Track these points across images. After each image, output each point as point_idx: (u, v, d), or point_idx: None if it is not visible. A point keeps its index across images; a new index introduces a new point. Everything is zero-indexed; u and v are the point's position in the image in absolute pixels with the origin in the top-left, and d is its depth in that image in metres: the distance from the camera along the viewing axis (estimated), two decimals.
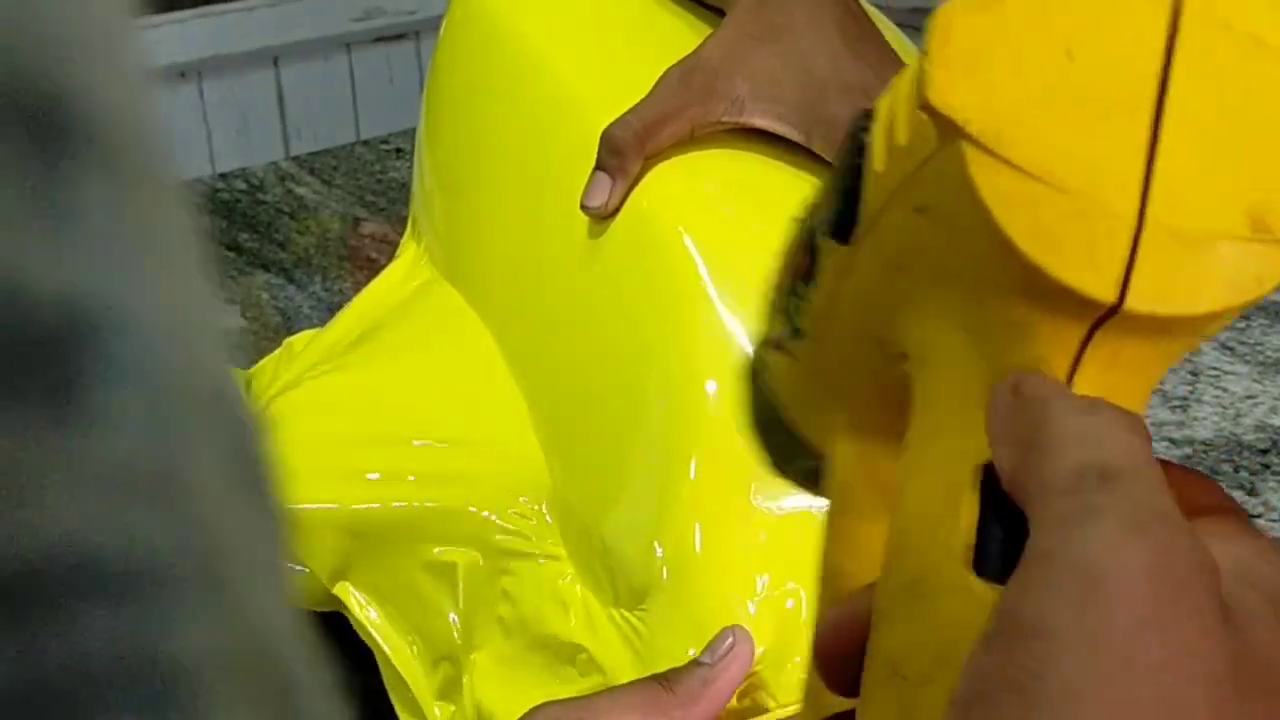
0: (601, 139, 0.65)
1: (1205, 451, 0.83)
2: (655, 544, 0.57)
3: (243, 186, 1.27)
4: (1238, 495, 0.79)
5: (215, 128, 1.42)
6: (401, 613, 0.68)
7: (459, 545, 0.67)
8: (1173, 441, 0.84)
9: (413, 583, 0.67)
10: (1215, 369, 0.92)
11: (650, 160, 0.65)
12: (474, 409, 0.68)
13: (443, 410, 0.69)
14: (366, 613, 0.68)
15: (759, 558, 0.56)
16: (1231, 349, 0.93)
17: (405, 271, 0.79)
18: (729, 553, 0.57)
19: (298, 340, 0.80)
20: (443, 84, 0.80)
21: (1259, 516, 0.78)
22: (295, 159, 1.34)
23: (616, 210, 0.65)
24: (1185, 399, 0.88)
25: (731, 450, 0.55)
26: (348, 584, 0.69)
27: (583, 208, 0.65)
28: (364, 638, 0.68)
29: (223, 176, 1.29)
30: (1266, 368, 0.91)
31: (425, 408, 0.70)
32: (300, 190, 1.26)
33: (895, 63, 0.68)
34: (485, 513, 0.66)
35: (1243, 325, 0.96)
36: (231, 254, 1.14)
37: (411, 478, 0.67)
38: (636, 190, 0.65)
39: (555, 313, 0.68)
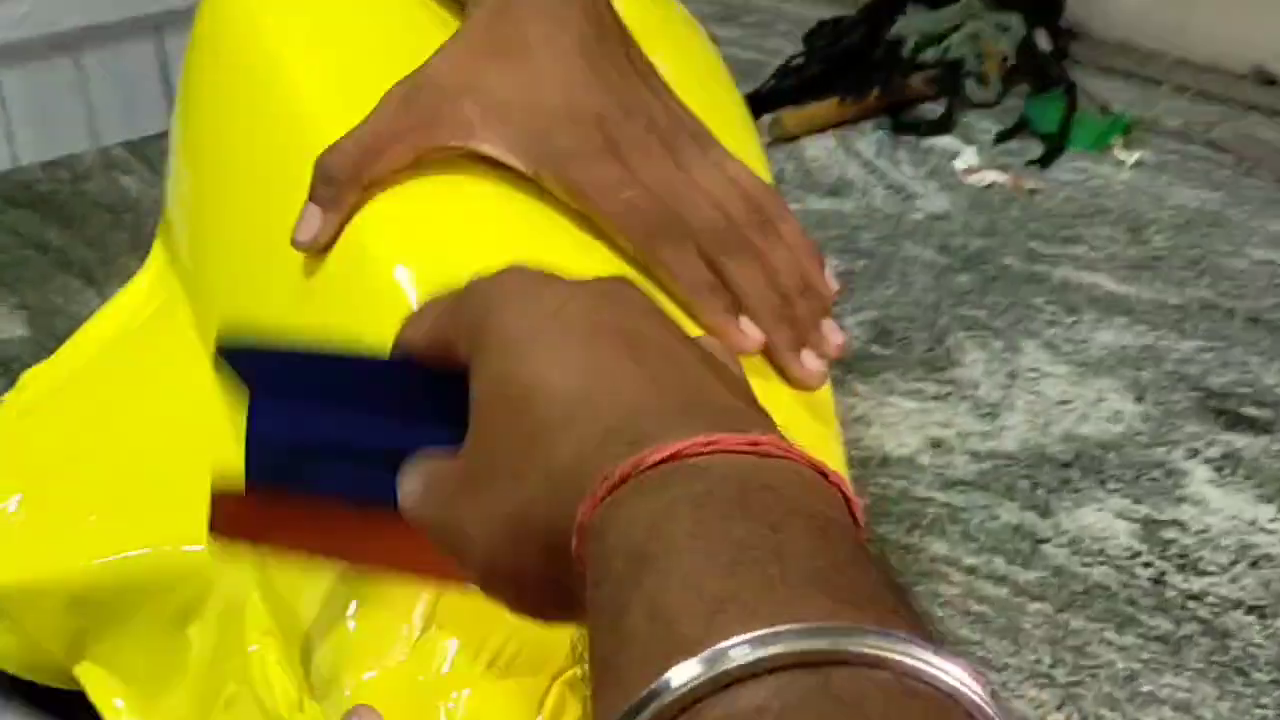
0: (315, 167, 0.60)
1: (1006, 466, 0.80)
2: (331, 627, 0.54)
3: (64, 176, 1.22)
4: (1029, 516, 0.76)
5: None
6: (145, 698, 0.63)
7: (194, 605, 0.63)
8: (975, 455, 0.81)
9: (154, 656, 0.63)
10: (1034, 370, 0.88)
11: (370, 189, 0.61)
12: (194, 457, 0.64)
13: (162, 458, 0.65)
14: (108, 699, 0.63)
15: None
16: (1055, 347, 0.90)
17: (148, 289, 0.75)
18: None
19: (29, 375, 0.75)
20: (191, 80, 0.75)
21: (1045, 541, 0.74)
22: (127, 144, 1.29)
23: (329, 245, 0.61)
24: (996, 406, 0.85)
25: None
26: (88, 664, 0.64)
27: (293, 243, 0.60)
28: None
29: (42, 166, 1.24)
30: (1086, 369, 0.88)
31: (145, 455, 0.65)
32: (125, 180, 1.21)
33: (651, 82, 0.64)
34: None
35: (1071, 321, 0.93)
36: (34, 253, 1.09)
37: (136, 534, 0.63)
38: (353, 223, 0.60)
39: None
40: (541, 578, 0.40)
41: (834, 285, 0.63)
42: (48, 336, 0.98)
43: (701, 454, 0.36)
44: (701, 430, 0.37)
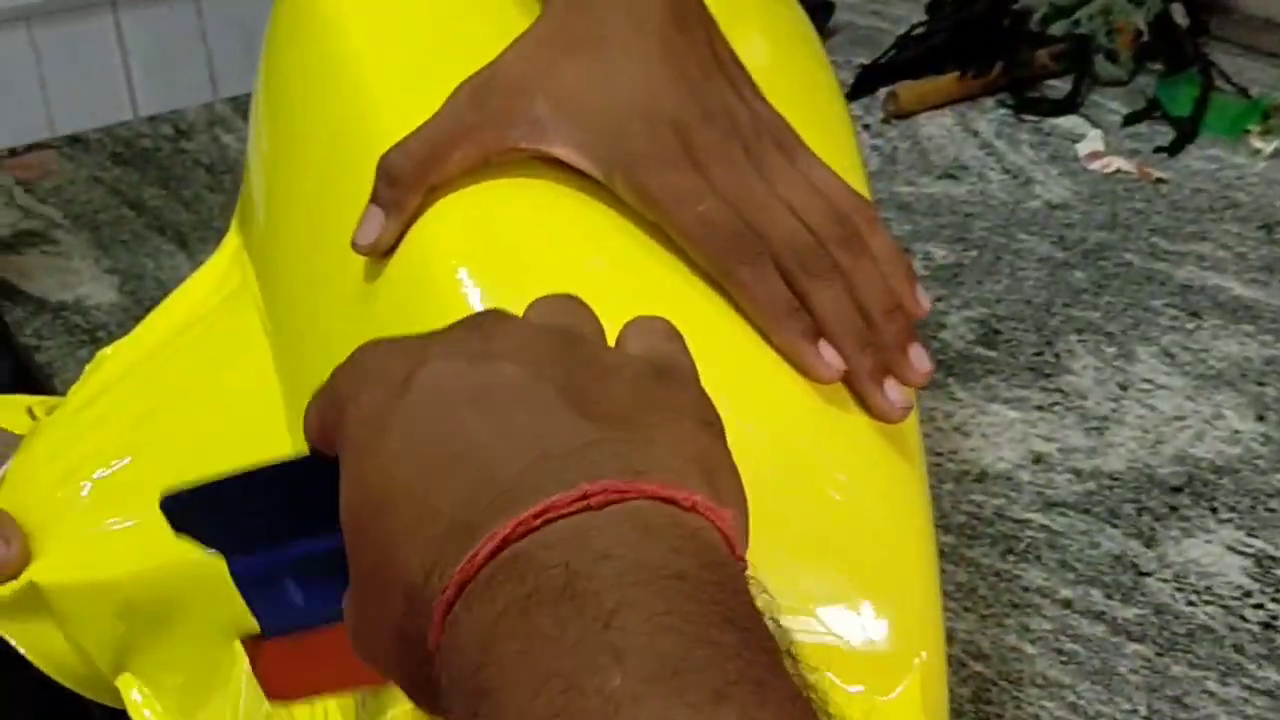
0: (378, 167, 0.57)
1: (1111, 488, 0.75)
2: None
3: (168, 132, 1.21)
4: (1132, 545, 0.72)
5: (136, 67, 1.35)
6: (182, 707, 0.61)
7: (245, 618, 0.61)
8: (1078, 474, 0.76)
9: (200, 666, 0.61)
10: (1148, 381, 0.83)
11: (435, 191, 0.58)
12: (255, 458, 0.62)
13: (223, 457, 0.63)
14: (145, 712, 0.61)
15: None
16: (1172, 356, 0.85)
17: (224, 270, 0.72)
18: None
19: (102, 355, 0.73)
20: (269, 60, 0.72)
21: (1148, 574, 0.70)
22: (232, 100, 1.27)
23: (391, 249, 0.58)
24: (1105, 419, 0.80)
25: None
26: (130, 677, 0.62)
27: (353, 245, 0.58)
28: None
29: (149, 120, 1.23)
30: (1205, 382, 0.83)
31: (205, 454, 0.63)
32: (227, 138, 1.19)
33: (735, 79, 0.60)
34: None
35: (1192, 327, 0.87)
36: (131, 212, 1.08)
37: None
38: (416, 226, 0.57)
39: (333, 354, 0.61)
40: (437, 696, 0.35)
41: (926, 305, 0.59)
42: (135, 304, 0.97)
43: (532, 530, 0.33)
44: (536, 496, 0.33)
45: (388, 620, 0.36)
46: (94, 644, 0.62)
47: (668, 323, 0.43)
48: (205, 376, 0.68)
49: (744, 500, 0.39)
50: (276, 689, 0.45)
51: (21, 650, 0.65)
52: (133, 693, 0.61)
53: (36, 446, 0.68)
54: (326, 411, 0.40)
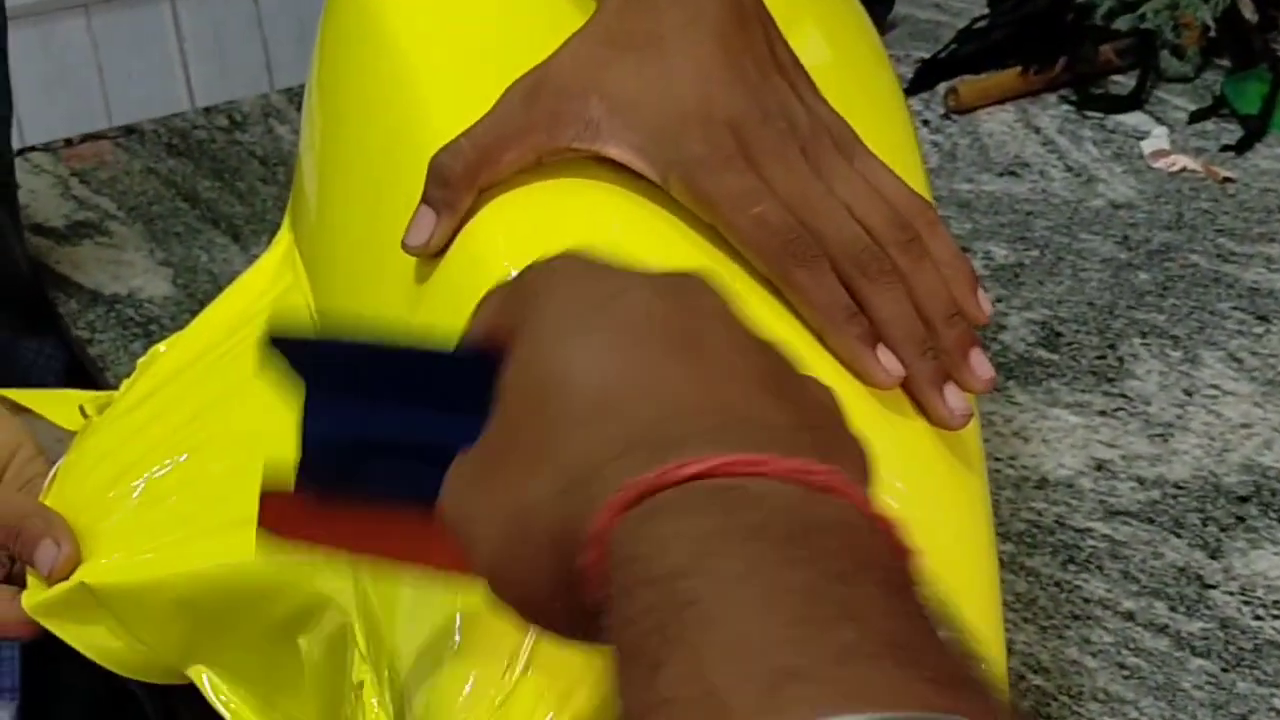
0: (429, 168, 0.56)
1: (1175, 497, 0.73)
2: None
3: (223, 123, 1.20)
4: (1197, 556, 0.70)
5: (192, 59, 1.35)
6: (261, 699, 0.61)
7: (303, 617, 0.60)
8: (1141, 482, 0.74)
9: (266, 661, 0.61)
10: (1214, 387, 0.81)
11: (486, 192, 0.57)
12: None
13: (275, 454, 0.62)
14: (222, 699, 0.61)
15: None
16: (1239, 361, 0.83)
17: (276, 267, 0.72)
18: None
19: (153, 352, 0.73)
20: (324, 61, 0.71)
21: (1213, 586, 0.68)
22: (285, 92, 1.27)
23: (442, 250, 0.57)
24: (1169, 426, 0.78)
25: None
26: (201, 667, 0.62)
27: (403, 245, 0.57)
28: None
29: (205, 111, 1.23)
30: (1273, 388, 0.81)
31: (255, 451, 0.63)
32: (281, 129, 1.19)
33: (793, 78, 0.59)
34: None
35: (1260, 331, 0.85)
36: (185, 204, 1.08)
37: (241, 541, 0.60)
38: (467, 227, 0.56)
39: None
40: (549, 585, 0.36)
41: (988, 309, 0.57)
42: (188, 297, 0.97)
43: (744, 474, 0.32)
44: (743, 448, 0.33)
45: (513, 498, 0.37)
46: (157, 639, 0.62)
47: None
48: (251, 382, 0.68)
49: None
50: (275, 525, 0.44)
51: (76, 647, 0.65)
52: (204, 678, 0.61)
53: (88, 445, 0.68)
54: (510, 300, 0.41)
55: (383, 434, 0.43)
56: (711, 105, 0.55)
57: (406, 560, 0.46)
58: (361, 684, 0.55)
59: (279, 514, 0.45)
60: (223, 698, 0.63)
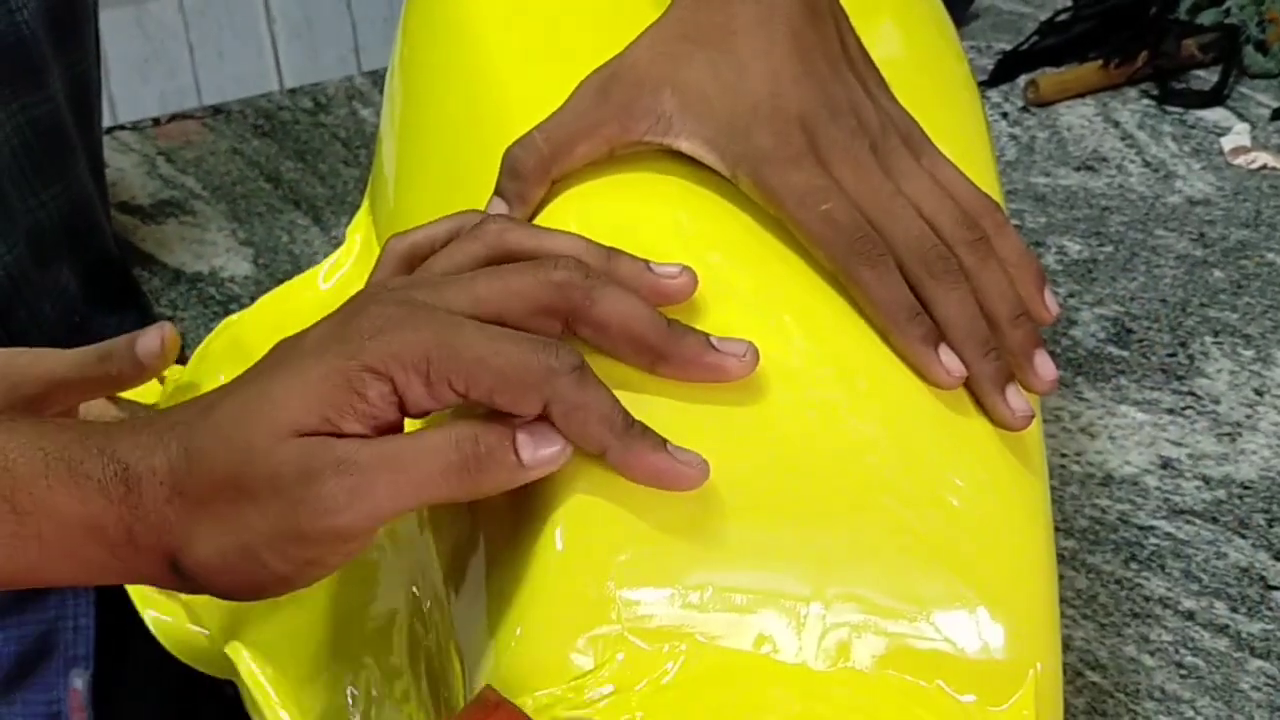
0: (503, 160, 0.58)
1: (1241, 497, 0.73)
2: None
3: (307, 105, 1.22)
4: (1260, 558, 0.70)
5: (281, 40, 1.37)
6: (294, 684, 0.62)
7: (376, 591, 0.61)
8: (1207, 481, 0.74)
9: (308, 644, 0.62)
10: None
11: (559, 184, 0.58)
12: None
13: None
14: (256, 679, 0.61)
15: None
16: None
17: (352, 262, 0.73)
18: None
19: (232, 323, 0.74)
20: (405, 50, 0.73)
21: (1276, 588, 0.68)
22: (370, 74, 1.28)
23: None
24: (1238, 426, 0.78)
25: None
26: (239, 644, 0.62)
27: None
28: (250, 711, 0.62)
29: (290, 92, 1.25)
30: None
31: None
32: (364, 112, 1.21)
33: (863, 75, 0.59)
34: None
35: None
36: (268, 185, 1.10)
37: None
38: (539, 218, 0.58)
39: None
40: None
41: (1054, 310, 0.57)
42: (269, 276, 0.99)
43: None
44: None
45: None
46: (205, 612, 0.63)
47: None
48: None
49: None
50: None
51: (151, 629, 0.67)
52: (244, 660, 0.62)
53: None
54: None
55: None
56: (782, 101, 0.56)
57: None
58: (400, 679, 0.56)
59: None
60: (257, 678, 0.63)
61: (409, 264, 0.54)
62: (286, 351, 0.48)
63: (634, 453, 0.47)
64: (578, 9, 0.66)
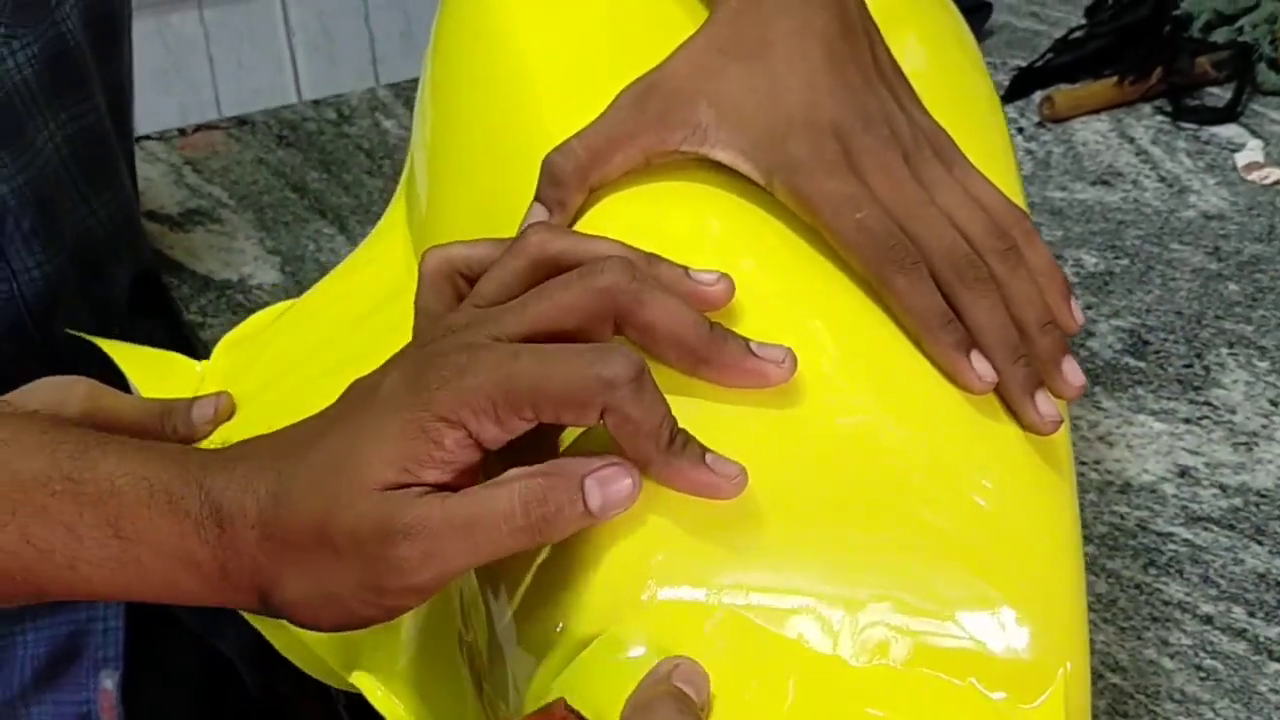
0: (542, 167, 0.59)
1: (1258, 504, 0.75)
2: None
3: (331, 116, 1.24)
4: (1278, 564, 0.71)
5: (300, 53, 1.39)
6: (429, 705, 0.62)
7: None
8: (1224, 489, 0.76)
9: (432, 666, 0.62)
10: None
11: (597, 192, 0.59)
12: None
13: None
14: (390, 703, 0.59)
15: None
16: None
17: (400, 258, 0.74)
18: None
19: (263, 315, 0.75)
20: (439, 59, 0.74)
21: None
22: (391, 87, 1.30)
23: None
24: (1254, 435, 0.80)
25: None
26: (363, 673, 0.61)
27: None
28: None
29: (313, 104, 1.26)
30: None
31: None
32: (387, 123, 1.22)
33: (895, 87, 0.61)
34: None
35: None
36: (294, 195, 1.12)
37: None
38: (577, 225, 0.59)
39: None
40: None
41: (1080, 319, 0.59)
42: (295, 284, 1.00)
43: None
44: None
45: None
46: (318, 642, 0.63)
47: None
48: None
49: None
50: None
51: (276, 647, 0.66)
52: (370, 686, 0.61)
53: None
54: None
55: None
56: (816, 111, 0.58)
57: None
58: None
59: None
60: (387, 704, 0.62)
61: (453, 284, 0.55)
62: (364, 398, 0.49)
63: (674, 468, 0.48)
64: (613, 22, 0.68)
